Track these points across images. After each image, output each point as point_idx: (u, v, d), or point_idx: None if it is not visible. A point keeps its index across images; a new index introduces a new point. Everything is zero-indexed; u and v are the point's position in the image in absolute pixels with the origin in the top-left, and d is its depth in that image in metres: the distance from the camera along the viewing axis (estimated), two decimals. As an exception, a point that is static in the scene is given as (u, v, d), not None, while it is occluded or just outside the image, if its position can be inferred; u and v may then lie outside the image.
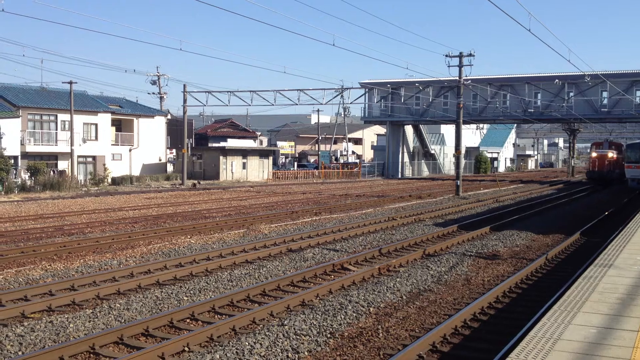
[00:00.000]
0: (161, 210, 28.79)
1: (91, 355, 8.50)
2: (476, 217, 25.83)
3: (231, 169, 60.23)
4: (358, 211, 28.31)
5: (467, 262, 15.38)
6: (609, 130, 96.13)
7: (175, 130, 61.66)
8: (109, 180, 50.31)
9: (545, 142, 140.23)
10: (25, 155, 46.36)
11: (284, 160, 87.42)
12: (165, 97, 72.03)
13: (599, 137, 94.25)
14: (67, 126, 48.46)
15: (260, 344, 8.81)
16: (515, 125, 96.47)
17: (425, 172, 78.81)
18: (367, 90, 64.68)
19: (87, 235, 20.19)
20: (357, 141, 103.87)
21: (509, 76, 62.85)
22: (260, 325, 9.80)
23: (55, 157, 49.24)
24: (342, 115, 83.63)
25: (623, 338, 6.91)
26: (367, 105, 67.52)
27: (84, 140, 50.89)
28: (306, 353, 8.63)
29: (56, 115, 49.44)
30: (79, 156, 49.49)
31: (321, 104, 59.25)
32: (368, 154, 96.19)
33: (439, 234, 20.32)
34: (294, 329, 9.51)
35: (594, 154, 51.83)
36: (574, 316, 7.79)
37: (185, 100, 53.90)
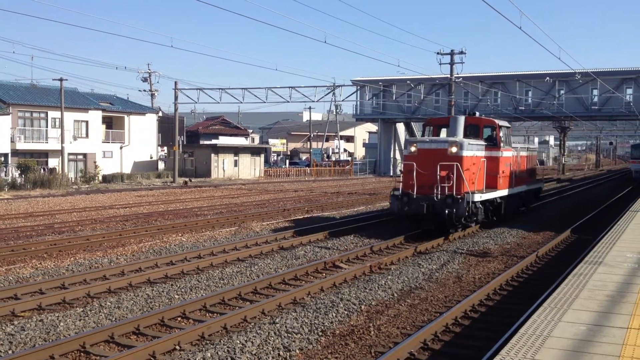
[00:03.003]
0: (152, 208, 28.71)
1: (82, 354, 8.47)
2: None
3: (223, 167, 60.11)
4: (350, 209, 28.32)
5: (458, 260, 15.43)
6: (599, 127, 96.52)
7: (167, 128, 61.49)
8: (100, 178, 50.10)
9: (536, 139, 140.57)
10: (15, 152, 46.12)
11: (275, 157, 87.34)
12: (156, 94, 71.78)
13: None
14: (57, 123, 48.22)
15: (252, 342, 8.80)
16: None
17: (417, 169, 78.72)
18: (358, 87, 64.71)
19: (77, 233, 20.11)
20: (349, 139, 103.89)
21: (500, 74, 63.03)
22: (252, 324, 9.79)
23: (45, 154, 49.02)
24: (334, 113, 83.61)
25: (612, 335, 6.95)
26: (358, 102, 67.56)
27: (75, 138, 50.66)
28: (297, 351, 8.63)
29: (46, 113, 49.20)
30: (69, 154, 49.26)
31: (313, 101, 59.41)
32: (360, 152, 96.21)
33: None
34: (286, 327, 9.52)
35: (412, 149, 19.27)
36: (563, 313, 7.83)
37: (176, 98, 53.77)
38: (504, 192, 20.96)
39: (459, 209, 17.73)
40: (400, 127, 72.90)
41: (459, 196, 17.76)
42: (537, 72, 60.01)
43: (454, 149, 18.31)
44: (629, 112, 56.35)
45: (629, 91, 57.17)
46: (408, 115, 66.70)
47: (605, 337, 6.86)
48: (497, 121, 21.03)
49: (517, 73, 61.66)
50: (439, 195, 17.85)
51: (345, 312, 10.51)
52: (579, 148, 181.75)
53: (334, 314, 10.33)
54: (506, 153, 21.34)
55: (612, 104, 57.08)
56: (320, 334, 9.40)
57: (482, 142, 20.12)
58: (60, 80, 46.28)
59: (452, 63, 39.92)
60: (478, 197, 18.46)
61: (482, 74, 62.81)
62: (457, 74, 40.76)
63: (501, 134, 20.91)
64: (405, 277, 13.28)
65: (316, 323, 9.81)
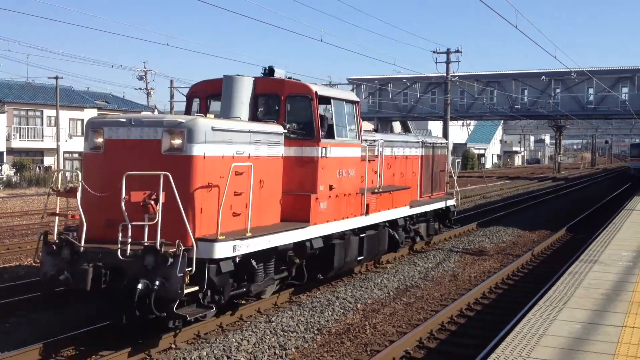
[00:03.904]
0: (148, 207, 28.61)
1: (76, 351, 8.45)
2: (463, 213, 25.90)
3: (219, 165, 60.05)
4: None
5: (453, 258, 15.44)
6: (595, 126, 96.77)
7: (163, 126, 61.32)
8: (96, 176, 49.98)
9: (532, 138, 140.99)
10: (10, 151, 46.01)
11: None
12: (152, 92, 71.47)
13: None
14: (53, 122, 48.11)
15: (248, 340, 8.80)
16: (502, 121, 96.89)
17: (413, 168, 78.69)
18: (354, 86, 64.66)
19: (73, 231, 20.03)
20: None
21: (496, 72, 63.06)
22: (248, 322, 9.79)
23: (41, 153, 48.91)
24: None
25: (607, 333, 6.97)
26: (354, 101, 67.42)
27: (70, 136, 50.56)
28: (293, 349, 8.63)
29: (42, 111, 49.10)
30: (65, 152, 49.15)
31: (309, 100, 59.10)
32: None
33: (426, 230, 20.25)
34: (282, 325, 9.51)
35: (98, 139, 9.04)
36: (559, 312, 7.85)
37: (172, 96, 53.62)
38: (330, 228, 10.75)
39: (171, 281, 7.67)
40: (397, 126, 72.78)
41: (172, 250, 7.70)
42: (533, 71, 60.10)
43: (175, 141, 8.43)
44: (624, 110, 56.45)
45: (625, 90, 57.28)
46: (404, 113, 66.68)
47: (601, 336, 6.88)
48: (316, 88, 10.66)
49: (513, 72, 61.72)
50: (129, 248, 7.93)
51: (341, 311, 10.51)
52: (575, 147, 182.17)
53: (330, 313, 10.34)
54: (341, 150, 11.03)
55: (607, 102, 57.15)
56: (316, 332, 9.40)
57: (278, 129, 10.11)
58: (56, 78, 46.15)
59: (448, 62, 39.98)
60: (228, 249, 8.27)
61: (478, 73, 62.81)
62: (453, 72, 40.83)
63: (325, 113, 11.01)
64: (401, 275, 13.29)
65: (312, 321, 9.81)
